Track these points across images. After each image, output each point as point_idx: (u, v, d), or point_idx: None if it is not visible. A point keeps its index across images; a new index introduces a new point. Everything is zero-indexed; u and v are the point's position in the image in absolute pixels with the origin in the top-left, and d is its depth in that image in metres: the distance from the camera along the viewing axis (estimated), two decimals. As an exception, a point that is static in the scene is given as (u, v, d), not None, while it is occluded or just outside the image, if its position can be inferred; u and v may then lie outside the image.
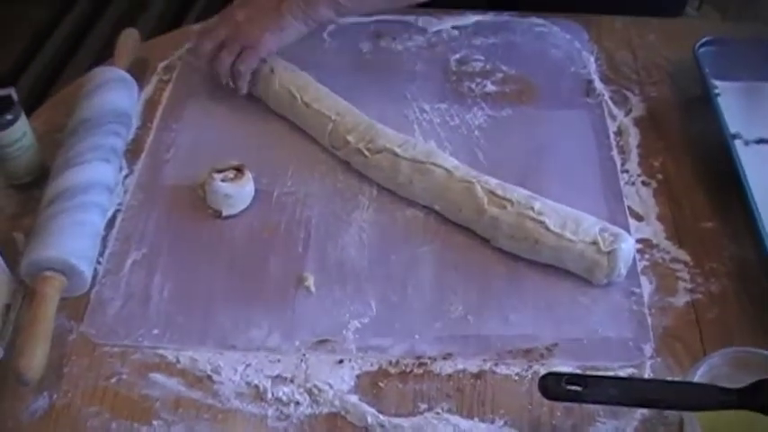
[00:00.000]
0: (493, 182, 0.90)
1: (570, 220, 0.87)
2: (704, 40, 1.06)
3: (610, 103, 1.07)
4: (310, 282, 0.87)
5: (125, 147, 1.01)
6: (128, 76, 1.05)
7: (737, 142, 1.00)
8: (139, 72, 1.11)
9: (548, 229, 0.86)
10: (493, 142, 1.02)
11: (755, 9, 1.74)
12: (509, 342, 0.83)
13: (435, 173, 0.91)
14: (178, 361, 0.81)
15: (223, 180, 0.93)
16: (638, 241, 0.91)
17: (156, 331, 0.84)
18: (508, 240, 0.88)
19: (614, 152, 1.01)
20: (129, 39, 1.11)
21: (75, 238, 0.87)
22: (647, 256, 0.90)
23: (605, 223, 0.88)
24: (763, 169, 0.97)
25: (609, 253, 0.85)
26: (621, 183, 0.98)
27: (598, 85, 1.10)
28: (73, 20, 2.73)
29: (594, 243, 0.85)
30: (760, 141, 1.02)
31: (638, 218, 0.94)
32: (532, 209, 0.87)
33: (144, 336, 0.83)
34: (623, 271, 0.86)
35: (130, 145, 1.03)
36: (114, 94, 1.01)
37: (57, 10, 2.74)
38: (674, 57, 1.14)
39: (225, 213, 0.93)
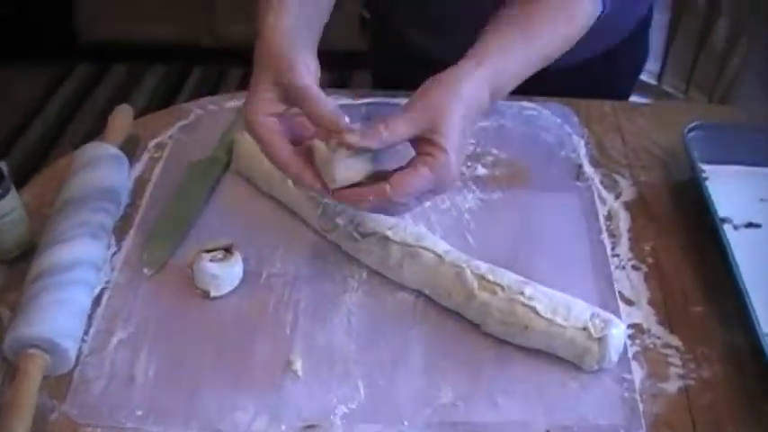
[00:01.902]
0: (483, 266, 0.90)
1: (561, 306, 0.86)
2: (693, 124, 1.07)
3: (600, 186, 1.08)
4: (297, 365, 0.86)
5: (114, 224, 1.01)
6: (119, 152, 1.06)
7: (727, 227, 1.01)
8: (131, 149, 1.12)
9: (538, 314, 0.85)
10: (483, 225, 1.02)
11: (740, 91, 1.77)
12: (499, 429, 0.81)
13: (425, 257, 0.91)
14: (162, 445, 0.79)
15: (211, 260, 0.92)
16: (630, 326, 0.91)
17: (139, 413, 0.82)
18: (498, 325, 0.87)
19: (604, 236, 1.01)
20: (121, 115, 1.12)
21: (60, 315, 0.86)
22: (637, 342, 0.89)
23: (596, 308, 0.87)
24: (753, 253, 0.97)
25: (600, 339, 0.84)
26: (612, 267, 0.97)
27: (588, 169, 1.10)
28: (65, 94, 2.75)
29: (585, 329, 0.84)
30: (749, 225, 1.02)
31: (629, 302, 0.94)
32: (523, 294, 0.87)
33: (127, 417, 0.82)
34: (614, 358, 0.85)
35: (120, 222, 1.02)
36: (104, 171, 1.01)
37: (49, 84, 2.76)
38: (662, 140, 1.15)
39: (213, 294, 0.92)
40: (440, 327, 0.90)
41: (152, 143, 1.15)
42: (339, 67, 2.41)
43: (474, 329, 0.90)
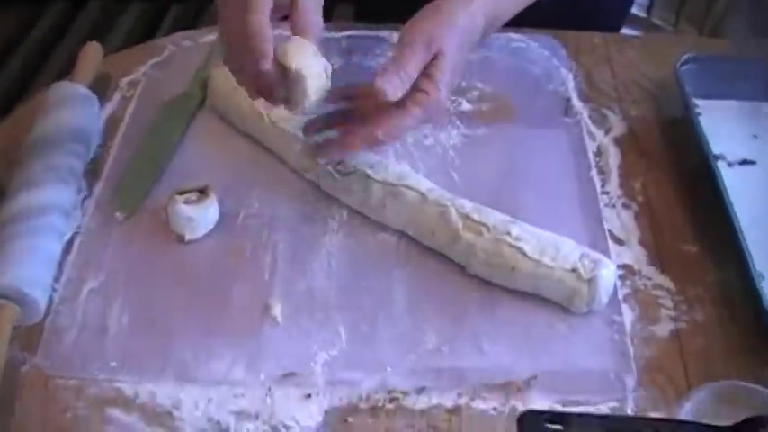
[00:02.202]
0: (468, 205, 0.86)
1: (549, 246, 0.83)
2: (685, 57, 1.03)
3: (589, 122, 1.04)
4: (277, 311, 0.83)
5: (84, 167, 0.96)
6: (88, 92, 1.01)
7: (720, 163, 0.98)
8: (102, 88, 1.07)
9: (525, 255, 0.82)
10: (468, 163, 0.98)
11: (731, 23, 1.73)
12: (485, 375, 0.78)
13: (408, 196, 0.87)
14: (137, 395, 0.76)
15: (186, 203, 0.88)
16: (620, 267, 0.88)
17: (113, 363, 0.79)
18: (484, 267, 0.84)
19: (594, 173, 0.98)
20: (90, 53, 1.06)
21: (29, 264, 0.82)
22: (628, 283, 0.87)
23: (585, 249, 0.84)
24: (747, 191, 0.94)
25: (589, 280, 0.81)
26: (601, 205, 0.94)
27: (576, 103, 1.06)
28: (39, 34, 2.67)
29: (574, 270, 0.81)
30: (744, 162, 0.99)
31: (619, 242, 0.91)
32: (509, 234, 0.83)
33: (100, 368, 0.78)
34: (604, 299, 0.82)
35: (90, 165, 0.98)
36: (73, 111, 0.97)
37: (21, 24, 2.68)
38: (654, 74, 1.11)
39: (188, 237, 0.89)
40: (423, 268, 0.87)
41: (124, 81, 1.10)
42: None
43: (459, 270, 0.87)
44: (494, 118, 1.04)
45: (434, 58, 0.81)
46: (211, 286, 0.86)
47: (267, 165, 0.98)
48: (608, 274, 0.82)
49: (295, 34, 0.80)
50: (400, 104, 0.80)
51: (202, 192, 0.90)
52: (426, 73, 0.81)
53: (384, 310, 0.83)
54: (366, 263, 0.88)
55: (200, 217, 0.88)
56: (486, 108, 1.05)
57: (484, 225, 0.84)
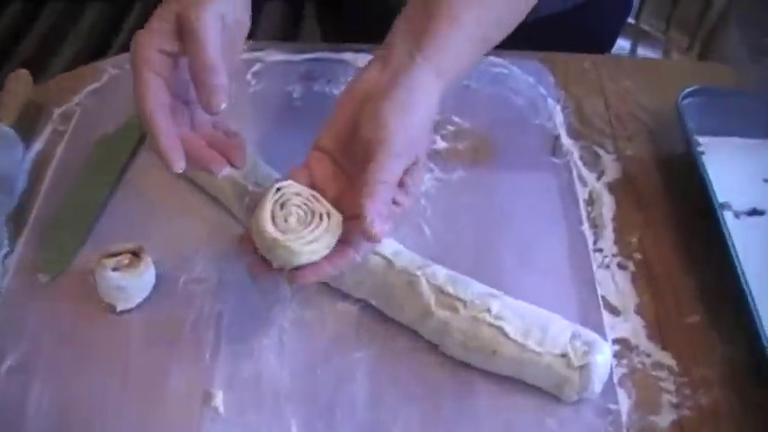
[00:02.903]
0: (441, 274, 0.75)
1: (535, 326, 0.72)
2: (687, 90, 0.91)
3: (579, 163, 0.93)
4: (218, 400, 0.72)
5: (7, 218, 0.85)
6: (11, 132, 0.89)
7: (726, 214, 0.86)
8: (31, 122, 0.95)
9: (507, 337, 0.71)
10: (442, 213, 0.86)
11: (725, 33, 1.61)
12: (460, 483, 0.67)
13: (371, 262, 0.76)
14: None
15: (115, 268, 0.76)
16: (615, 342, 0.77)
17: (27, 464, 0.67)
18: (460, 349, 0.73)
19: (585, 226, 0.86)
20: (15, 85, 0.94)
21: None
22: (624, 362, 0.76)
23: (577, 327, 0.73)
24: (757, 247, 0.83)
25: (581, 368, 0.70)
26: (594, 266, 0.83)
27: (566, 141, 0.95)
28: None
29: (564, 355, 0.70)
30: (753, 212, 0.87)
31: (615, 312, 0.80)
32: (489, 311, 0.72)
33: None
34: (598, 388, 0.71)
35: (13, 214, 0.86)
36: (-9, 156, 0.84)
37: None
38: (650, 104, 1.00)
39: (119, 308, 0.77)
40: (390, 348, 0.76)
41: (57, 112, 0.97)
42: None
43: (431, 350, 0.75)
44: (472, 159, 0.92)
45: (414, 163, 0.70)
46: (145, 368, 0.74)
47: (215, 218, 0.86)
48: (603, 360, 0.70)
49: (195, 80, 0.69)
50: None
51: (135, 254, 0.77)
52: (401, 181, 0.69)
53: (343, 401, 0.72)
54: (323, 341, 0.76)
55: (133, 285, 0.77)
56: (464, 147, 0.94)
57: (460, 300, 0.73)
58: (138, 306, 0.78)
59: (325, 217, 0.67)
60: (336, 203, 0.70)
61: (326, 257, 0.67)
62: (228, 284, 0.80)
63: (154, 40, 0.69)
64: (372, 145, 0.66)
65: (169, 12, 0.69)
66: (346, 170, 0.72)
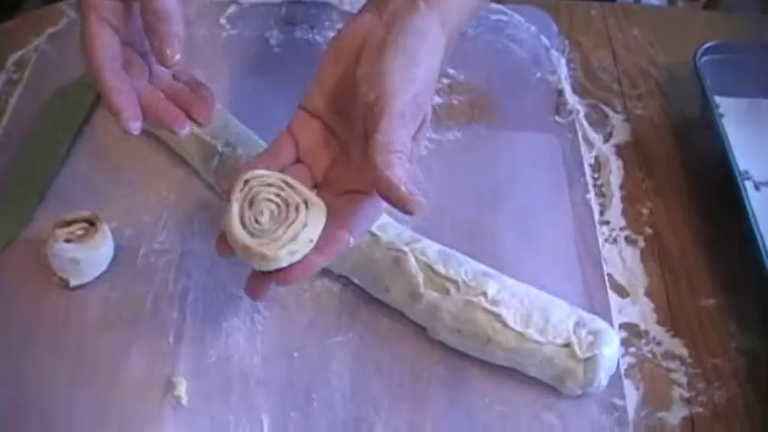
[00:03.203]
0: (432, 250, 0.67)
1: (536, 312, 0.64)
2: (706, 46, 0.82)
3: (585, 123, 0.84)
4: (182, 389, 0.64)
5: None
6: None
7: (747, 184, 0.78)
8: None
9: (505, 324, 0.63)
10: (435, 178, 0.78)
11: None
12: (449, 485, 0.60)
13: (355, 235, 0.67)
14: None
15: (68, 239, 0.68)
16: (623, 327, 0.70)
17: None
18: (451, 335, 0.66)
19: (591, 195, 0.78)
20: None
21: None
22: (632, 350, 0.69)
23: (582, 314, 0.65)
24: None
25: (586, 360, 0.63)
26: (601, 240, 0.75)
27: (570, 98, 0.86)
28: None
29: (567, 345, 0.63)
30: (775, 183, 0.79)
31: (622, 292, 0.72)
32: (485, 295, 0.64)
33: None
34: (604, 381, 0.64)
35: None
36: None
37: None
38: (663, 59, 0.91)
39: (73, 283, 0.69)
40: (373, 331, 0.68)
41: (11, 59, 0.88)
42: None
43: (419, 334, 0.68)
44: (468, 116, 0.84)
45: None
46: (101, 351, 0.67)
47: (180, 180, 0.77)
48: (610, 352, 0.63)
49: (146, 28, 0.60)
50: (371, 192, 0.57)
51: (91, 223, 0.69)
52: None
53: (321, 391, 0.65)
54: (299, 321, 0.68)
55: (88, 258, 0.69)
56: (459, 103, 0.85)
57: (451, 281, 0.65)
58: (94, 281, 0.70)
59: (302, 207, 0.57)
60: (327, 176, 0.61)
61: (317, 247, 0.56)
62: (194, 256, 0.72)
63: None
64: (376, 109, 0.55)
65: None
66: (339, 135, 0.62)
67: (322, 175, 0.61)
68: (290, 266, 0.56)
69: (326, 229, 0.57)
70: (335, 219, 0.57)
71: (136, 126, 0.60)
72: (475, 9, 0.67)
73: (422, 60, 0.58)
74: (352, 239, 0.57)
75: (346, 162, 0.59)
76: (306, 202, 0.57)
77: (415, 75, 0.57)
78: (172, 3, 0.59)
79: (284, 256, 0.55)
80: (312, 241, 0.56)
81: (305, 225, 0.56)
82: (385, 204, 0.55)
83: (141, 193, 0.76)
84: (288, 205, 0.56)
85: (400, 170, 0.53)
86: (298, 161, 0.62)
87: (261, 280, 0.58)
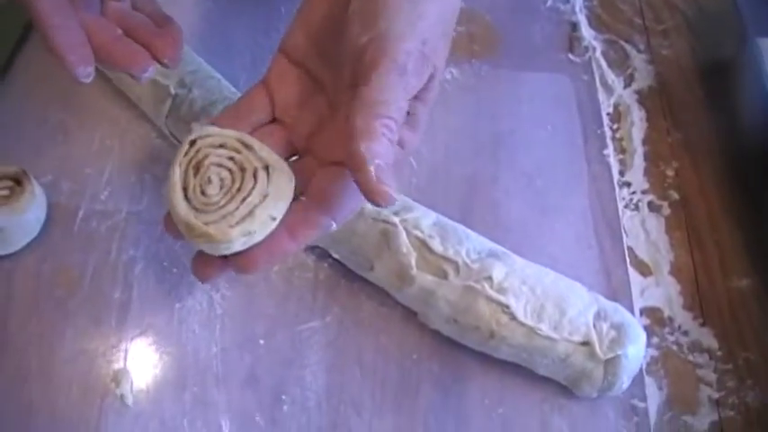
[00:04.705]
0: (427, 222, 0.56)
1: (550, 303, 0.54)
2: (748, -24, 0.70)
3: (603, 62, 0.73)
4: (126, 387, 0.54)
5: None
6: None
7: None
8: None
9: (513, 317, 0.53)
10: (431, 132, 0.66)
11: None
12: (441, 506, 0.51)
13: (335, 203, 0.56)
14: None
15: (-11, 201, 0.56)
16: (644, 313, 0.60)
17: None
18: (447, 324, 0.56)
19: (610, 150, 0.67)
20: None
21: None
22: (655, 341, 0.59)
23: (602, 302, 0.56)
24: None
25: (608, 361, 0.53)
26: (620, 206, 0.64)
27: (586, 32, 0.74)
28: None
29: (586, 343, 0.53)
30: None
31: (645, 271, 0.62)
32: (490, 280, 0.54)
33: None
34: (625, 384, 0.54)
35: None
36: None
37: None
38: (692, -11, 0.78)
39: (-2, 252, 0.58)
40: (354, 314, 0.58)
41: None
42: None
43: (408, 319, 0.58)
44: (469, 52, 0.72)
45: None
46: (31, 337, 0.56)
47: (124, 124, 0.65)
48: (635, 351, 0.54)
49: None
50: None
51: (17, 181, 0.57)
52: (409, 109, 0.45)
53: (292, 388, 0.55)
54: (266, 304, 0.58)
55: (14, 224, 0.57)
56: (457, 34, 0.73)
57: (450, 261, 0.55)
58: (22, 250, 0.59)
59: (261, 175, 0.44)
60: (310, 142, 0.48)
61: (288, 229, 0.45)
62: (143, 221, 0.61)
63: None
64: (367, 56, 0.43)
65: None
66: (327, 90, 0.49)
67: (304, 140, 0.48)
68: (249, 250, 0.44)
69: (305, 208, 0.45)
70: (317, 197, 0.46)
71: (87, 72, 0.48)
72: None
73: None
74: (334, 224, 0.46)
75: (335, 125, 0.47)
76: (267, 168, 0.45)
77: (427, 11, 0.44)
78: None
79: (237, 237, 0.43)
80: (275, 219, 0.44)
81: (264, 197, 0.44)
82: None
83: (79, 140, 0.63)
84: (243, 171, 0.44)
85: (381, 146, 0.41)
86: (273, 121, 0.49)
87: (211, 261, 0.46)
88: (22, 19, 0.68)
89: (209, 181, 0.44)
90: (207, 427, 0.53)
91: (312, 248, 0.59)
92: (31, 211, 0.58)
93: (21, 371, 0.54)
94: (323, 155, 0.47)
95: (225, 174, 0.44)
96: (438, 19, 0.44)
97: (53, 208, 0.60)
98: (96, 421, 0.53)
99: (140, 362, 0.55)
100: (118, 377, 0.54)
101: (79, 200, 0.61)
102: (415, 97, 0.44)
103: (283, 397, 0.54)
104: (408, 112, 0.44)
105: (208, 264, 0.46)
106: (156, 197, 0.61)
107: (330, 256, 0.59)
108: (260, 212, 0.43)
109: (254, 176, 0.44)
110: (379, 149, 0.41)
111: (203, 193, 0.44)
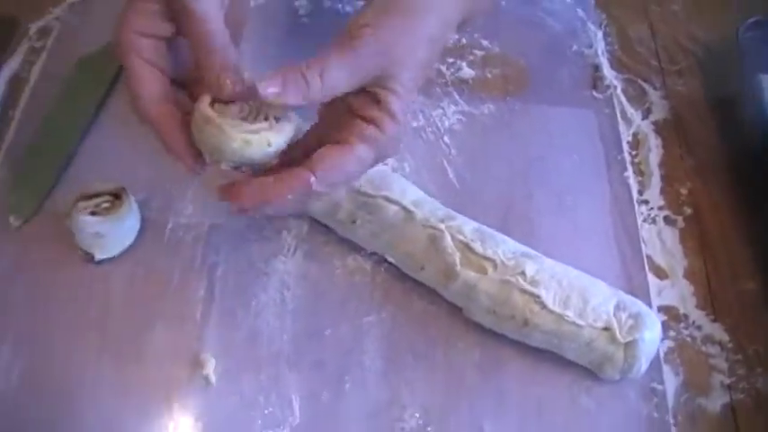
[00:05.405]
0: (469, 228, 0.65)
1: (575, 294, 0.62)
2: (750, 21, 0.79)
3: (623, 98, 0.82)
4: (210, 368, 0.63)
5: (-25, 147, 0.74)
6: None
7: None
8: (5, 37, 0.83)
9: (544, 306, 0.61)
10: (469, 154, 0.76)
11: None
12: (484, 470, 0.59)
13: (388, 212, 0.66)
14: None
15: (94, 213, 0.66)
16: (661, 310, 0.68)
17: (-4, 435, 0.59)
18: (488, 316, 0.64)
19: (629, 173, 0.76)
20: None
21: None
22: (672, 334, 0.67)
23: (622, 296, 0.63)
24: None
25: (627, 344, 0.61)
26: (639, 220, 0.73)
27: (608, 72, 0.84)
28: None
29: (608, 329, 0.61)
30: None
31: (661, 274, 0.70)
32: (523, 274, 0.62)
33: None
34: (644, 367, 0.62)
35: (-15, 144, 0.75)
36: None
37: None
38: (703, 35, 0.88)
39: (98, 257, 0.67)
40: (406, 310, 0.67)
41: (34, 28, 0.85)
42: None
43: (454, 314, 0.66)
44: (503, 90, 0.81)
45: (392, 77, 0.55)
46: (126, 328, 0.65)
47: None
48: (652, 336, 0.61)
49: (200, 64, 0.56)
50: (341, 140, 0.55)
51: (116, 196, 0.67)
52: (375, 94, 0.55)
53: (353, 371, 0.63)
54: (331, 299, 0.67)
55: (113, 232, 0.67)
56: (493, 76, 0.82)
57: (489, 260, 0.63)
58: (120, 255, 0.68)
59: (271, 118, 0.55)
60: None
61: (275, 176, 0.54)
62: (222, 231, 0.70)
63: (139, 23, 0.56)
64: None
65: None
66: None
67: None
68: (239, 184, 0.54)
69: (296, 164, 0.55)
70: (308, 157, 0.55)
71: (197, 168, 0.58)
72: None
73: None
74: (318, 185, 0.54)
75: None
76: (276, 118, 0.55)
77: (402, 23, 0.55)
78: (222, 35, 0.55)
79: (238, 138, 0.53)
80: (270, 146, 0.54)
81: (269, 128, 0.54)
82: (369, 161, 0.55)
83: (167, 164, 0.73)
84: (258, 112, 0.55)
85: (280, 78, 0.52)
86: None
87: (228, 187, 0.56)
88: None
89: (235, 103, 0.54)
90: (279, 401, 0.61)
91: (370, 255, 0.68)
92: (128, 221, 0.67)
93: (118, 356, 0.63)
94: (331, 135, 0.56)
95: (245, 106, 0.54)
96: (420, 32, 0.56)
97: (145, 221, 0.70)
98: (185, 395, 0.61)
99: (222, 348, 0.64)
100: (202, 361, 0.63)
101: (168, 214, 0.71)
102: (386, 80, 0.54)
103: (346, 377, 0.63)
104: (379, 100, 0.54)
105: (226, 188, 0.55)
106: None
107: (386, 260, 0.68)
108: (262, 134, 0.53)
109: (266, 118, 0.54)
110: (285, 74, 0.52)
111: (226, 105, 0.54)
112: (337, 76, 0.53)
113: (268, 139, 0.54)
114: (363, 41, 0.53)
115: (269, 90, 0.51)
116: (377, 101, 0.54)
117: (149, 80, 0.57)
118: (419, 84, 0.57)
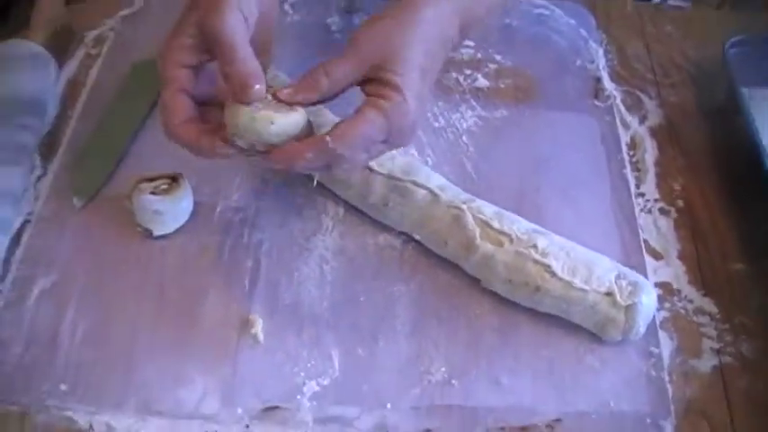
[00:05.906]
0: (488, 209, 0.74)
1: (581, 264, 0.71)
2: (734, 39, 0.89)
3: (622, 107, 0.91)
4: (258, 328, 0.70)
5: (38, 141, 0.83)
6: (43, 50, 0.86)
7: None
8: (62, 44, 0.92)
9: (553, 273, 0.70)
10: (484, 151, 0.85)
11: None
12: (502, 416, 0.67)
13: (417, 195, 0.75)
14: (91, 428, 0.65)
15: (153, 192, 0.75)
16: (657, 285, 0.76)
17: (64, 387, 0.67)
18: (504, 284, 0.72)
19: (628, 170, 0.85)
20: (47, 2, 0.91)
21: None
22: (666, 305, 0.75)
23: (621, 267, 0.72)
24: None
25: (627, 307, 0.69)
26: (637, 210, 0.81)
27: (608, 84, 0.93)
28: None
29: (609, 294, 0.69)
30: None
31: (656, 256, 0.79)
32: (535, 247, 0.71)
33: (50, 392, 0.66)
34: (642, 329, 0.70)
35: (46, 138, 0.84)
36: (24, 75, 0.83)
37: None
38: (694, 53, 0.98)
39: (156, 233, 0.75)
40: (432, 281, 0.75)
41: (90, 36, 0.95)
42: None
43: (473, 285, 0.74)
44: (514, 98, 0.91)
45: (389, 60, 0.64)
46: (182, 294, 0.73)
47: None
48: (648, 301, 0.70)
49: (233, 89, 0.63)
50: (358, 109, 0.64)
51: (174, 179, 0.76)
52: (379, 77, 0.64)
53: (385, 331, 0.71)
54: (365, 272, 0.75)
55: (170, 210, 0.75)
56: (506, 86, 0.92)
57: (505, 234, 0.72)
58: (175, 232, 0.77)
59: (279, 105, 0.63)
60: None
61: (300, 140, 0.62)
62: (266, 213, 0.79)
63: (178, 58, 0.64)
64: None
65: (189, 24, 0.63)
66: None
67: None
68: (275, 150, 0.62)
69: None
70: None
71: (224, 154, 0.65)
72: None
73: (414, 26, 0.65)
74: (330, 140, 0.61)
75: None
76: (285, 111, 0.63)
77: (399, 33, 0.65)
78: (252, 61, 0.62)
79: (247, 114, 0.61)
80: (273, 123, 0.61)
81: (275, 113, 0.62)
82: (378, 124, 0.62)
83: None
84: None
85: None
86: None
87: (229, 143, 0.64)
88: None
89: None
90: (321, 355, 0.69)
91: (399, 234, 0.77)
92: (184, 201, 0.76)
93: (174, 318, 0.71)
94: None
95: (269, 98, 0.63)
96: (416, 42, 0.65)
97: (197, 204, 0.78)
98: (235, 353, 0.69)
99: (267, 312, 0.71)
100: (251, 321, 0.71)
101: (217, 199, 0.79)
102: (386, 73, 0.63)
103: (379, 336, 0.71)
104: (384, 81, 0.63)
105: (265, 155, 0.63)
106: (277, 195, 0.79)
107: (413, 239, 0.76)
108: (264, 113, 0.61)
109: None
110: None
111: None
112: (340, 70, 0.63)
113: (271, 118, 0.62)
114: (359, 36, 0.64)
115: (284, 92, 0.62)
116: (382, 82, 0.63)
117: (180, 108, 0.64)
118: (423, 72, 0.65)
